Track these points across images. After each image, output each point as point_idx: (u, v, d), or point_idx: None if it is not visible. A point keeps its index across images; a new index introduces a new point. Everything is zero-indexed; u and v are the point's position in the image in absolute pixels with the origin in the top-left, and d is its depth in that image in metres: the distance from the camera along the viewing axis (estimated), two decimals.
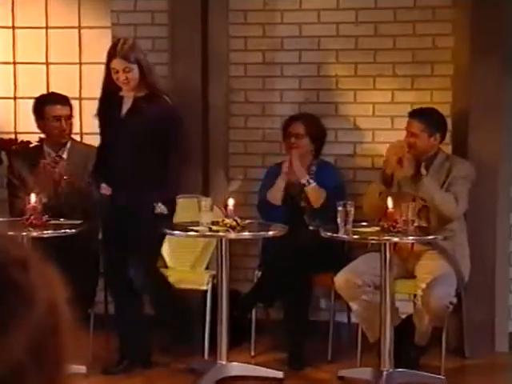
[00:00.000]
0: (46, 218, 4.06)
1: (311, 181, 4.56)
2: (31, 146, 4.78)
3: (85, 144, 4.82)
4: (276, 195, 4.62)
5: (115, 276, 4.24)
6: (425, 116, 4.37)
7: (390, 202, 3.90)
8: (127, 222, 4.10)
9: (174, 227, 4.16)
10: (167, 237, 4.34)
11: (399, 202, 3.98)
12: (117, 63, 4.12)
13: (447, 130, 4.45)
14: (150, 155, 4.11)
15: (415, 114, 4.40)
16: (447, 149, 4.59)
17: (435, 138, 4.38)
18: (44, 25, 5.15)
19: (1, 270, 0.92)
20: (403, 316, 4.32)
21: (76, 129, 4.84)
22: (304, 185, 4.57)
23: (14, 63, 5.19)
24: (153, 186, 4.09)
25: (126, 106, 4.18)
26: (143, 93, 4.15)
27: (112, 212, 4.18)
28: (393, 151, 4.32)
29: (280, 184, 4.60)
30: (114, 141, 4.17)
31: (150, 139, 4.09)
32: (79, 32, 5.15)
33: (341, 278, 4.27)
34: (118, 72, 4.12)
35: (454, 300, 4.16)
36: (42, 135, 4.69)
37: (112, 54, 4.16)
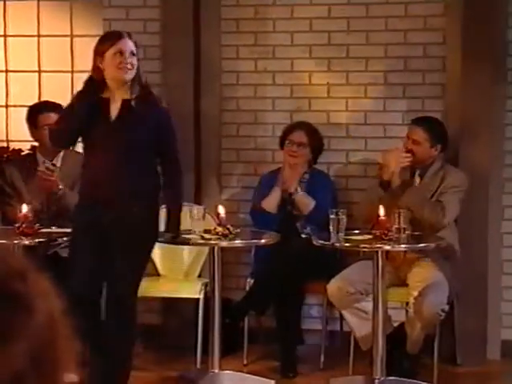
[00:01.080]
0: (37, 226, 4.05)
1: (299, 189, 4.59)
2: (23, 154, 4.77)
3: (77, 151, 4.81)
4: (272, 203, 4.64)
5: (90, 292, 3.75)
6: (430, 125, 4.39)
7: (381, 210, 3.91)
8: (122, 234, 3.73)
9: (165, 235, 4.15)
10: (160, 245, 4.33)
11: (392, 209, 3.99)
12: (125, 44, 3.69)
13: (448, 143, 4.47)
14: (149, 164, 3.81)
15: (420, 122, 4.41)
16: (438, 157, 4.60)
17: (436, 149, 4.40)
18: (36, 33, 5.15)
19: (1, 281, 0.93)
20: (395, 324, 4.32)
21: None
22: (292, 194, 4.59)
23: (6, 71, 5.19)
24: (152, 195, 3.81)
25: (115, 108, 3.74)
26: (133, 94, 3.72)
27: (97, 225, 3.73)
28: (392, 158, 4.33)
29: (277, 192, 4.63)
30: (104, 150, 3.72)
31: (149, 146, 3.76)
32: (71, 40, 5.15)
33: (333, 286, 4.27)
34: (123, 54, 3.67)
35: (446, 308, 4.16)
36: (34, 143, 4.68)
37: (117, 35, 3.74)
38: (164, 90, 4.88)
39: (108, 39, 3.76)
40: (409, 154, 4.32)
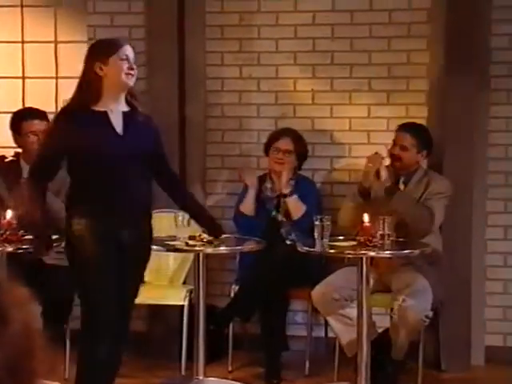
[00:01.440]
0: (21, 233, 4.03)
1: (289, 193, 4.60)
2: (6, 160, 4.75)
3: None
4: (248, 206, 4.66)
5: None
6: (417, 131, 4.43)
7: (365, 217, 3.92)
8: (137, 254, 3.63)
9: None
10: None
11: (376, 215, 4.00)
12: (130, 50, 3.55)
13: (432, 149, 4.50)
14: (149, 176, 3.69)
15: (408, 128, 4.43)
16: (422, 163, 4.62)
17: (422, 155, 4.44)
18: (20, 39, 5.14)
19: None
20: (380, 330, 4.33)
21: None
22: (285, 195, 4.60)
23: None
24: (151, 208, 3.71)
25: (117, 121, 3.57)
26: (126, 107, 3.59)
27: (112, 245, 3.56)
28: (371, 163, 4.35)
29: (250, 194, 4.65)
30: (116, 163, 3.52)
31: (150, 158, 3.65)
32: (55, 46, 5.14)
33: (318, 292, 4.28)
34: (127, 60, 3.51)
35: (431, 314, 4.18)
36: (18, 149, 4.66)
37: (122, 40, 3.61)
38: (149, 96, 4.87)
39: (112, 44, 3.57)
40: (384, 156, 4.35)
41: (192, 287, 4.36)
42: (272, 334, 4.43)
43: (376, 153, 4.41)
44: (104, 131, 3.53)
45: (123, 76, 3.50)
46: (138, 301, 4.52)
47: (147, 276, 4.77)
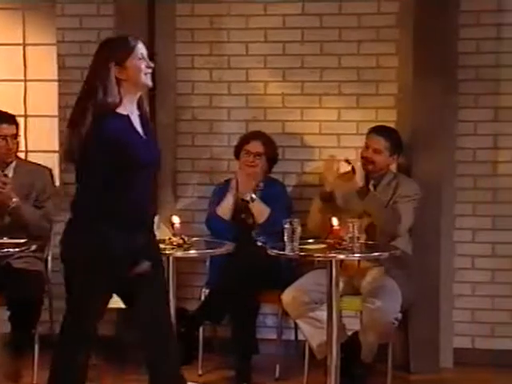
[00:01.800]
0: None
1: (254, 196, 4.61)
2: None
3: (30, 162, 4.77)
4: (226, 210, 4.65)
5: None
6: (390, 135, 4.46)
7: (334, 220, 3.94)
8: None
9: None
10: None
11: (345, 217, 4.02)
12: (143, 47, 3.34)
13: (402, 152, 4.54)
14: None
15: (381, 131, 4.46)
16: (392, 166, 4.65)
17: (394, 158, 4.48)
18: None
19: None
20: (350, 333, 4.35)
21: (21, 147, 4.79)
22: (247, 201, 4.61)
23: None
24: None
25: (137, 125, 3.33)
26: (137, 109, 3.37)
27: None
28: (327, 168, 4.39)
29: (229, 199, 4.64)
30: (146, 170, 3.33)
31: None
32: (24, 49, 5.11)
33: (288, 296, 4.29)
34: (143, 58, 3.31)
35: (400, 316, 4.20)
36: None
37: (135, 38, 3.34)
38: None
39: (127, 43, 3.30)
40: (346, 164, 4.37)
41: None
42: (242, 338, 4.43)
43: (331, 157, 4.45)
44: (135, 137, 3.30)
45: (143, 76, 3.29)
46: (108, 305, 4.51)
47: None
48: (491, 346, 4.83)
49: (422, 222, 4.52)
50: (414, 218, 4.41)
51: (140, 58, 3.30)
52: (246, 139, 4.76)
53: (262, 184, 4.72)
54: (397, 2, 4.82)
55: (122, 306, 4.49)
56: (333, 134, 4.93)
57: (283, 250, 3.96)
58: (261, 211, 4.61)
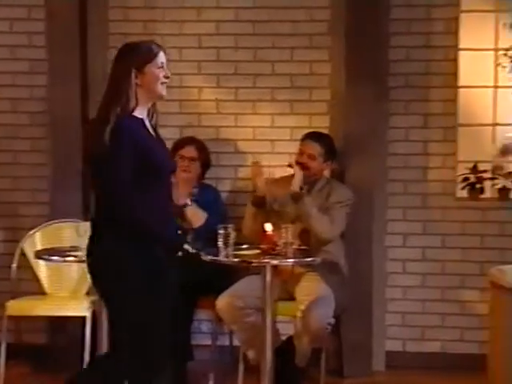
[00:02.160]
0: None
1: (189, 202, 4.60)
2: None
3: None
4: None
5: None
6: (325, 141, 4.50)
7: (267, 225, 3.96)
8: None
9: (51, 253, 4.07)
10: (46, 263, 4.23)
11: (279, 223, 4.04)
12: (164, 57, 3.30)
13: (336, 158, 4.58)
14: None
15: (316, 138, 4.49)
16: (325, 172, 4.69)
17: (328, 164, 4.52)
18: None
19: None
20: (284, 337, 4.37)
21: None
22: (184, 206, 4.60)
23: None
24: None
25: (151, 130, 3.35)
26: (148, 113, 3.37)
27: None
28: (255, 173, 4.42)
29: None
30: (166, 176, 3.34)
31: None
32: None
33: (222, 301, 4.28)
34: (162, 67, 3.27)
35: (333, 321, 4.24)
36: None
37: (156, 49, 3.28)
38: (51, 104, 4.80)
39: (150, 51, 3.26)
40: (261, 168, 4.41)
41: (95, 298, 4.30)
42: (177, 344, 4.41)
43: (255, 162, 4.48)
44: (154, 140, 3.31)
45: (159, 85, 3.27)
46: (38, 313, 4.45)
47: (49, 288, 4.69)
48: (421, 349, 4.92)
49: (354, 227, 4.58)
50: (345, 224, 4.46)
51: (159, 67, 3.27)
52: (180, 144, 4.75)
53: (196, 190, 4.71)
54: (328, 9, 4.88)
55: (53, 313, 4.43)
56: (266, 139, 4.96)
57: (217, 255, 3.96)
58: (197, 217, 4.60)
